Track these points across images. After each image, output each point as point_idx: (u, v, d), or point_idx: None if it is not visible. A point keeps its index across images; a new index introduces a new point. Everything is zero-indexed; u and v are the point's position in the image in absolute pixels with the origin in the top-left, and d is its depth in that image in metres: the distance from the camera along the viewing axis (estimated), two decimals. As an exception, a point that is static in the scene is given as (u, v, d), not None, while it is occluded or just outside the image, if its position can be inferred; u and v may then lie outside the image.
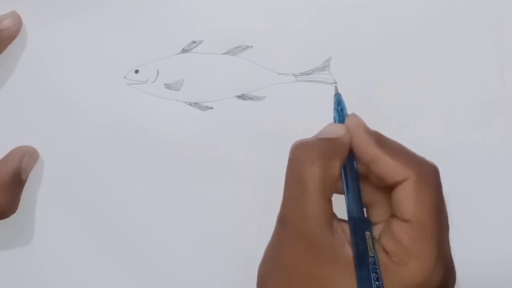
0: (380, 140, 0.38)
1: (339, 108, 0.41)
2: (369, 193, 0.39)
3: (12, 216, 0.46)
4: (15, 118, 0.47)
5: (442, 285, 0.37)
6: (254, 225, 0.47)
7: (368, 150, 0.38)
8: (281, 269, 0.37)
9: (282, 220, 0.38)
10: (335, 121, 0.41)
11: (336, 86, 0.43)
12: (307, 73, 0.47)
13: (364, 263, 0.36)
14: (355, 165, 0.39)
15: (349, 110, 0.40)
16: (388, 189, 0.38)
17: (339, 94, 0.41)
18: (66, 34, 0.47)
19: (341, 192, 0.39)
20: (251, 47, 0.46)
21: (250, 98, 0.47)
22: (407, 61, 0.47)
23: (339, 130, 0.39)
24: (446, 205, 0.38)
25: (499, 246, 0.48)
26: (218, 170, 0.47)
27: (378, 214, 0.39)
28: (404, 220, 0.37)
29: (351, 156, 0.39)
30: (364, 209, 0.39)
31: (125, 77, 0.47)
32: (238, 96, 0.47)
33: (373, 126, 0.39)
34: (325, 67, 0.47)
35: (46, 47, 0.47)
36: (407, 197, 0.37)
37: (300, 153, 0.38)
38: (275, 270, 0.37)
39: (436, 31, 0.47)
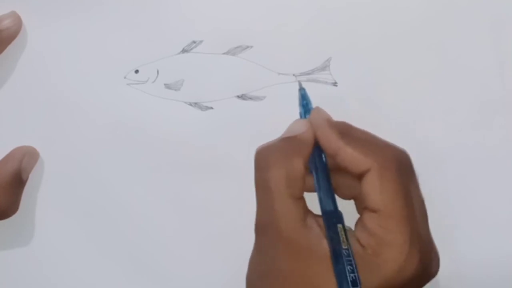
0: (344, 132, 0.38)
1: (304, 103, 0.41)
2: (350, 187, 0.39)
3: (12, 216, 0.46)
4: (15, 118, 0.47)
5: (421, 269, 0.36)
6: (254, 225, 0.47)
7: (331, 143, 0.38)
8: (266, 275, 0.37)
9: (257, 228, 0.38)
10: (301, 117, 0.41)
11: (300, 82, 0.43)
12: (307, 73, 0.47)
13: (339, 256, 0.36)
14: (323, 159, 0.39)
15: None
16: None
17: (304, 89, 0.41)
18: (66, 34, 0.46)
19: (312, 190, 0.39)
20: (251, 47, 0.46)
21: (250, 98, 0.47)
22: (407, 61, 0.47)
23: (301, 127, 0.39)
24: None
25: (499, 246, 0.48)
26: (218, 170, 0.47)
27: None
28: (373, 211, 0.36)
29: (319, 150, 0.39)
30: (343, 202, 0.39)
31: (125, 77, 0.47)
32: (238, 96, 0.47)
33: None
34: (325, 67, 0.46)
35: (46, 47, 0.47)
36: (373, 188, 0.36)
37: (261, 158, 0.38)
38: (261, 277, 0.38)
39: (436, 31, 0.47)
